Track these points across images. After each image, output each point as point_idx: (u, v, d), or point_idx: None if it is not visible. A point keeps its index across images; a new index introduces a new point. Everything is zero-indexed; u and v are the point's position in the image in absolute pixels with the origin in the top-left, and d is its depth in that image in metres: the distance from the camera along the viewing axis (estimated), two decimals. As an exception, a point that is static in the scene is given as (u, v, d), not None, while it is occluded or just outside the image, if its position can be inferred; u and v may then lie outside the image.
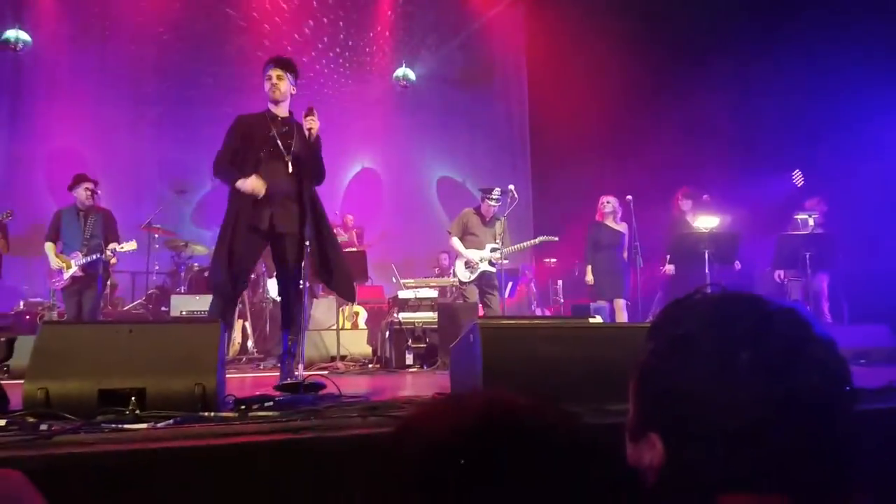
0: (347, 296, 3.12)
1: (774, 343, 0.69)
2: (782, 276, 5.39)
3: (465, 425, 0.57)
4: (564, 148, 8.05)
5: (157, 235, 6.31)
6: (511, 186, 5.24)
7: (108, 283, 5.55)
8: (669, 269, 5.46)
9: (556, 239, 5.53)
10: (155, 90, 7.76)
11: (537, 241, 5.51)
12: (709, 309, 0.76)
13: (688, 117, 6.79)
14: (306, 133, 2.99)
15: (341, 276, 3.03)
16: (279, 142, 3.01)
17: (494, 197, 5.26)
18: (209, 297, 5.08)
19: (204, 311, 5.19)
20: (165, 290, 6.17)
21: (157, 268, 6.40)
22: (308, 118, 2.96)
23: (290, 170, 2.99)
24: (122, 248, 4.95)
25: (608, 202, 5.63)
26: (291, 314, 3.05)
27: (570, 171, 7.83)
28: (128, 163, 7.49)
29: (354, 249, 6.27)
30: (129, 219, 6.09)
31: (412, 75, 8.86)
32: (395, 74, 8.78)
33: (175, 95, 7.69)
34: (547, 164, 8.54)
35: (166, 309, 5.76)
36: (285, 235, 3.01)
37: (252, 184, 2.90)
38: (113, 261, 5.04)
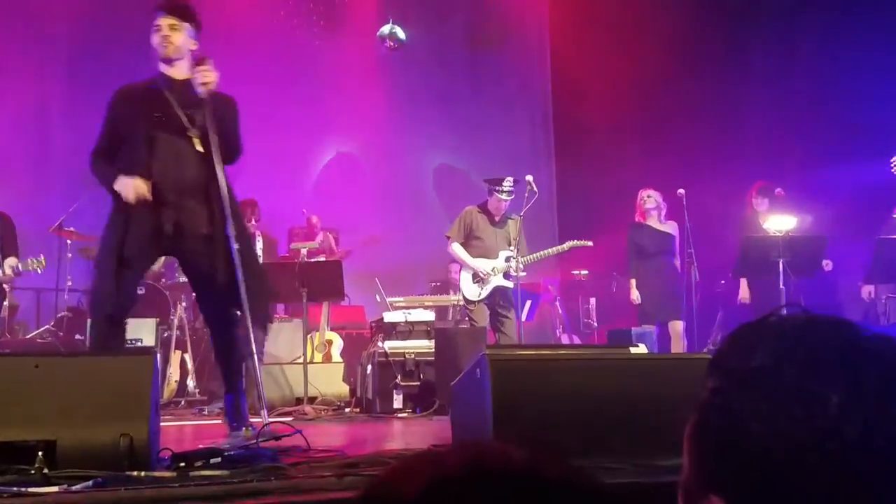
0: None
1: (872, 383, 0.68)
2: (873, 293, 5.40)
3: (441, 488, 0.56)
4: (598, 129, 8.09)
5: (69, 241, 6.12)
6: (529, 177, 5.25)
7: (5, 304, 5.51)
8: (744, 292, 5.43)
9: (590, 244, 5.53)
10: (65, 34, 7.46)
11: (565, 247, 5.52)
12: (788, 337, 0.75)
13: (754, 93, 6.83)
14: (199, 91, 2.82)
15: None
16: (180, 114, 2.84)
17: (506, 189, 5.27)
18: (146, 322, 5.06)
19: (138, 340, 5.15)
20: (80, 312, 5.97)
21: (69, 283, 6.12)
22: (201, 70, 2.80)
23: (198, 150, 2.84)
24: (24, 267, 4.93)
25: (649, 196, 5.64)
26: (228, 361, 2.93)
27: (606, 157, 7.87)
28: (27, 143, 7.34)
29: (323, 259, 6.29)
30: (31, 220, 6.00)
31: (401, 34, 8.80)
32: (379, 32, 8.65)
33: (93, 48, 7.43)
34: (575, 148, 8.58)
35: (82, 337, 5.62)
36: (199, 239, 2.86)
37: (132, 188, 2.72)
38: (7, 273, 5.01)
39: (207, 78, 2.81)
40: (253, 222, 5.39)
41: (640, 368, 2.43)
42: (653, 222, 5.63)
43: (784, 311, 0.79)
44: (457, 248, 5.37)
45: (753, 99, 6.89)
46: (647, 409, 2.21)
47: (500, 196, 5.28)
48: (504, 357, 2.43)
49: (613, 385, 2.32)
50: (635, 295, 5.59)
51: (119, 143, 2.87)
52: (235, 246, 2.79)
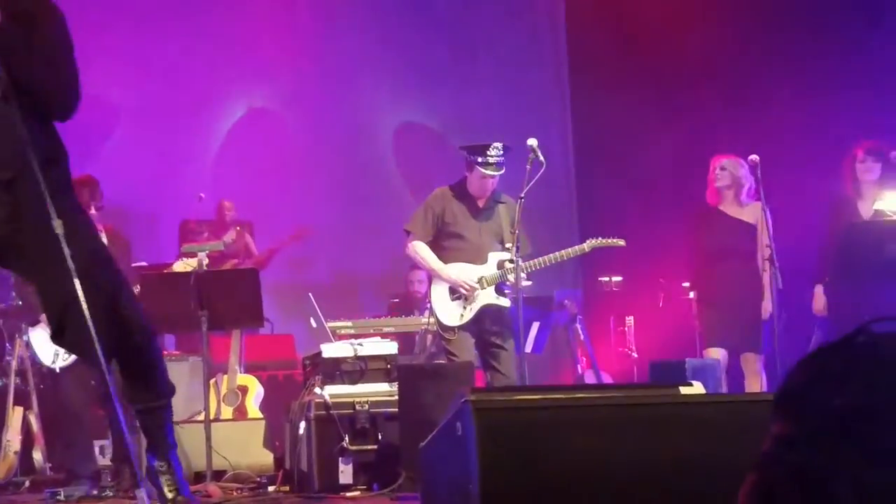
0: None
1: None
2: None
3: None
4: (635, 72, 8.15)
5: None
6: (532, 141, 5.28)
7: None
8: (819, 302, 5.49)
9: (622, 243, 5.57)
10: None
11: (585, 247, 5.56)
12: (887, 363, 0.76)
13: (844, 38, 6.93)
14: None
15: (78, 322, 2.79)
16: None
17: (492, 160, 5.30)
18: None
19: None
20: None
21: None
22: None
23: None
24: None
25: (722, 169, 5.66)
26: (141, 377, 3.03)
27: (650, 114, 7.92)
28: None
29: (234, 264, 6.25)
30: None
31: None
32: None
33: None
34: (602, 99, 8.63)
35: None
36: (19, 231, 2.92)
37: None
38: None
39: None
40: (93, 211, 5.28)
41: (695, 417, 2.46)
42: (728, 206, 5.67)
43: (877, 328, 0.80)
44: (420, 249, 5.39)
45: (843, 45, 7.00)
46: (705, 476, 2.23)
47: (483, 171, 5.29)
48: (495, 404, 2.46)
49: (654, 443, 2.35)
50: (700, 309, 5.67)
51: None
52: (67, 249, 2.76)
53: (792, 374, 0.83)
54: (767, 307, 5.55)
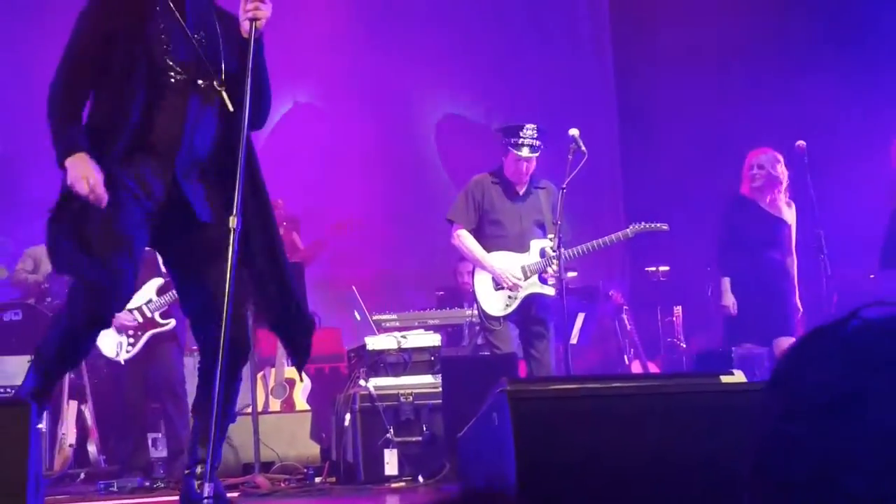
0: (298, 353, 3.25)
1: None
2: None
3: None
4: (681, 55, 8.07)
5: None
6: (574, 132, 5.26)
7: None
8: None
9: (666, 228, 5.53)
10: None
11: (629, 233, 5.52)
12: (877, 345, 0.78)
13: None
14: (245, 28, 3.05)
15: (294, 314, 3.10)
16: (197, 48, 3.02)
17: (526, 141, 5.27)
18: (24, 361, 5.19)
19: (12, 389, 5.25)
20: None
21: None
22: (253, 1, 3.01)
23: (224, 106, 3.04)
24: None
25: (760, 165, 5.60)
26: (224, 390, 3.01)
27: (696, 98, 7.85)
28: None
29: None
30: None
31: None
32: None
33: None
34: (647, 91, 8.57)
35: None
36: (213, 228, 3.07)
37: (84, 177, 2.85)
38: None
39: (261, 13, 3.12)
40: None
41: (738, 406, 2.42)
42: (764, 202, 5.62)
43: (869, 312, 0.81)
44: (465, 239, 5.39)
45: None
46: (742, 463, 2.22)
47: (518, 153, 5.28)
48: (531, 393, 2.45)
49: (693, 432, 2.33)
50: (729, 300, 5.59)
51: (97, 75, 2.97)
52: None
53: (788, 354, 0.85)
54: (799, 306, 5.54)
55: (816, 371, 0.78)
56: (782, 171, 5.59)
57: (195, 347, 6.35)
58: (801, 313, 5.61)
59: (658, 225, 5.51)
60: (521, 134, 5.25)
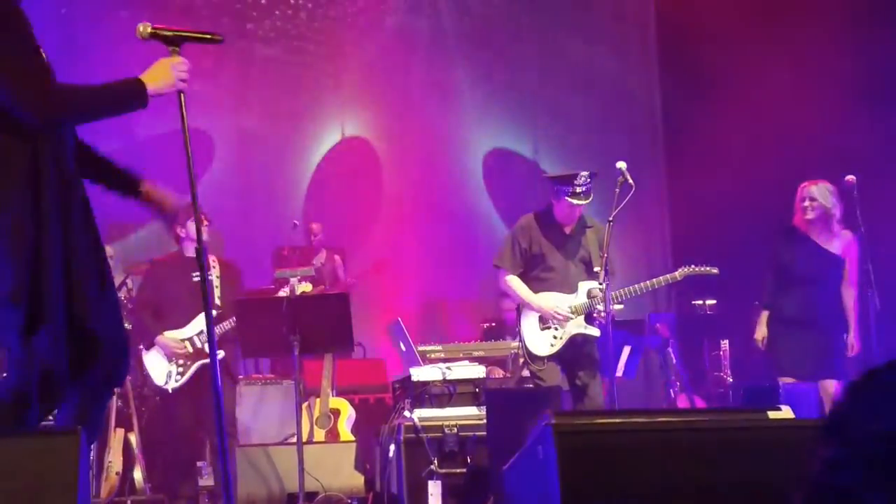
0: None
1: None
2: None
3: None
4: (724, 102, 8.03)
5: None
6: (621, 164, 5.25)
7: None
8: None
9: (716, 272, 5.50)
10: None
11: (677, 276, 5.49)
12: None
13: None
14: None
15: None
16: None
17: (580, 189, 5.28)
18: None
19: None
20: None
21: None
22: None
23: None
24: None
25: (812, 197, 5.53)
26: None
27: (746, 135, 7.80)
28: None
29: (321, 289, 6.34)
30: None
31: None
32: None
33: None
34: (694, 127, 8.53)
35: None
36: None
37: (176, 71, 2.81)
38: None
39: None
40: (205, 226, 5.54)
41: (782, 442, 2.40)
42: (816, 234, 5.55)
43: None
44: (513, 283, 5.41)
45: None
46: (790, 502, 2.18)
47: (571, 201, 5.28)
48: (576, 427, 2.45)
49: (739, 468, 2.32)
50: (761, 334, 5.53)
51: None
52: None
53: (842, 398, 0.83)
54: (854, 343, 5.43)
55: (870, 419, 0.77)
56: (835, 202, 5.50)
57: (241, 377, 6.49)
58: (857, 351, 5.50)
59: (707, 269, 5.46)
60: (575, 182, 5.25)
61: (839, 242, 5.57)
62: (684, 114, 8.64)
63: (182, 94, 2.83)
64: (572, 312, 5.29)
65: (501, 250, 5.51)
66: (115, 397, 5.68)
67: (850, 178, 5.52)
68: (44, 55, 2.73)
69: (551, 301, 5.32)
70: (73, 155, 2.84)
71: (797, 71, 7.57)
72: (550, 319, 5.29)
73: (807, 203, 5.54)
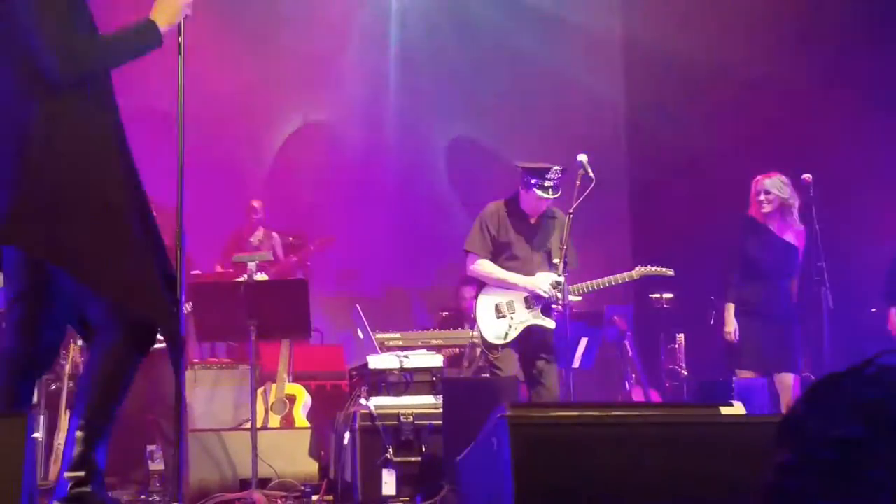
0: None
1: None
2: None
3: None
4: (689, 97, 8.08)
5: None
6: (582, 157, 5.26)
7: None
8: None
9: (671, 273, 5.55)
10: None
11: (634, 275, 5.54)
12: (889, 397, 0.76)
13: None
14: None
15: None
16: None
17: (549, 182, 5.29)
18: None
19: None
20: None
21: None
22: None
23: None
24: None
25: (767, 191, 5.57)
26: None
27: (707, 129, 7.85)
28: None
29: (258, 279, 6.27)
30: None
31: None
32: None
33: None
34: (657, 120, 8.58)
35: None
36: None
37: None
38: None
39: None
40: None
41: (732, 438, 2.42)
42: (775, 225, 5.58)
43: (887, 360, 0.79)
44: (486, 266, 5.39)
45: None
46: (740, 498, 2.19)
47: (540, 194, 5.28)
48: (531, 419, 2.45)
49: (690, 463, 2.33)
50: (731, 327, 5.56)
51: None
52: None
53: (798, 402, 0.83)
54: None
55: (824, 425, 0.76)
56: (792, 192, 5.54)
57: (195, 360, 6.41)
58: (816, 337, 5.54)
59: (663, 270, 5.54)
60: (547, 176, 5.27)
61: (793, 233, 5.60)
62: (647, 110, 8.68)
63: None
64: (528, 303, 5.30)
65: (472, 235, 5.50)
66: (66, 379, 5.60)
67: (807, 176, 5.58)
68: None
69: (534, 278, 5.30)
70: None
71: (756, 71, 7.64)
72: (537, 292, 5.27)
73: (762, 197, 5.57)
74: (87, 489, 2.87)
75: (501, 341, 5.32)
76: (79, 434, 2.90)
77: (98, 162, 2.87)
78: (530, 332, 5.33)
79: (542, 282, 5.29)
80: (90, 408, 2.93)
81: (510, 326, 5.33)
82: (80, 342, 5.73)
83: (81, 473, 2.87)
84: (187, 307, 5.55)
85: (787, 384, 5.43)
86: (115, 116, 2.97)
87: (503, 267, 5.39)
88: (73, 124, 2.84)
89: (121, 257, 2.85)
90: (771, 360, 5.48)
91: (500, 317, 5.37)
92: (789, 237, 5.60)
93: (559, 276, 5.19)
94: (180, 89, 3.04)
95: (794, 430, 0.80)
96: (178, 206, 3.01)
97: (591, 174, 5.22)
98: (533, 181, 5.30)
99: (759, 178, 5.63)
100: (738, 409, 2.72)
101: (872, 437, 0.75)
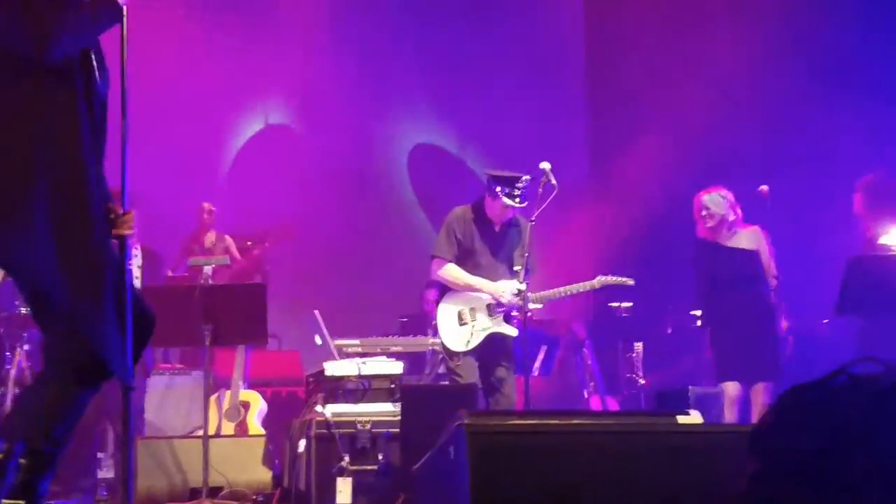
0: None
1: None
2: None
3: None
4: (649, 111, 8.14)
5: None
6: (545, 164, 5.27)
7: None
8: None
9: (631, 283, 5.58)
10: None
11: (595, 284, 5.54)
12: (860, 407, 0.75)
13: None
14: None
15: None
16: None
17: (517, 191, 5.29)
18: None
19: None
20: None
21: None
22: None
23: None
24: None
25: (706, 208, 5.57)
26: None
27: (665, 140, 7.91)
28: None
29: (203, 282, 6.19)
30: None
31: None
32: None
33: None
34: (619, 131, 8.62)
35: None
36: None
37: None
38: None
39: None
40: None
41: (691, 447, 2.43)
42: (722, 238, 5.60)
43: (856, 371, 0.78)
44: (452, 271, 5.35)
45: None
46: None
47: (507, 202, 5.27)
48: (489, 427, 2.43)
49: (647, 471, 2.33)
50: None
51: None
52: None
53: (768, 413, 0.82)
54: (784, 323, 5.51)
55: (794, 435, 0.74)
56: (729, 208, 5.54)
57: (163, 365, 6.30)
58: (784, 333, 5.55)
59: (624, 280, 5.54)
60: (516, 185, 5.26)
61: (742, 239, 5.60)
62: (609, 119, 8.74)
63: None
64: (491, 310, 5.28)
65: (439, 240, 5.48)
66: (11, 384, 5.47)
67: (763, 188, 5.63)
68: None
69: (499, 284, 5.29)
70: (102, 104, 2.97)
71: (715, 80, 7.71)
72: (500, 298, 5.26)
73: (704, 213, 5.60)
74: None
75: (463, 349, 5.29)
76: (23, 462, 2.79)
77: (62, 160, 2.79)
78: (491, 340, 5.31)
79: (506, 289, 5.27)
80: (39, 435, 2.83)
81: (472, 334, 5.31)
82: (26, 347, 5.62)
83: (21, 502, 2.78)
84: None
85: (760, 395, 5.44)
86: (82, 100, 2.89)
87: (466, 267, 5.35)
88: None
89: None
90: (750, 371, 5.47)
91: (461, 324, 5.34)
92: (741, 244, 5.59)
93: (521, 283, 5.18)
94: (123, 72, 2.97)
95: (763, 440, 0.78)
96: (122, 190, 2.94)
97: (554, 182, 5.22)
98: (501, 190, 5.29)
99: (698, 194, 5.65)
100: (695, 417, 2.72)
101: (838, 447, 0.73)
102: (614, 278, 5.53)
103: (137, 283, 5.63)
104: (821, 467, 0.74)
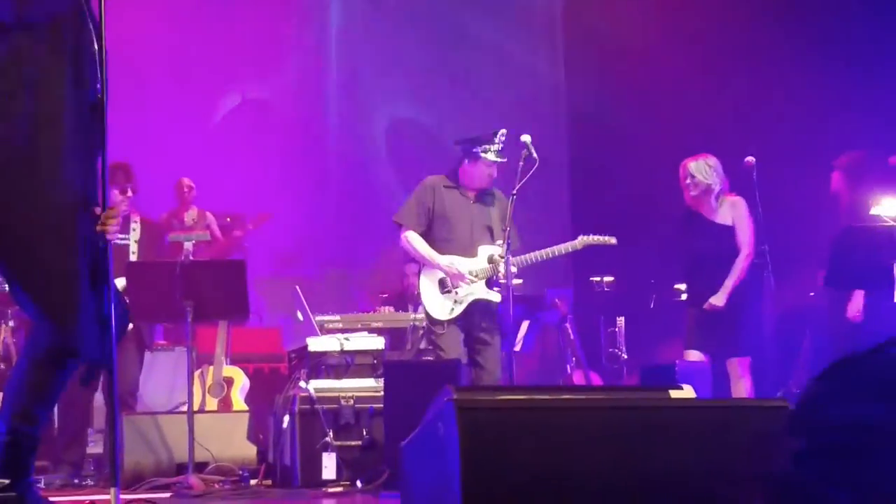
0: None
1: None
2: None
3: None
4: (628, 79, 8.10)
5: None
6: (525, 137, 5.24)
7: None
8: (857, 305, 5.39)
9: (614, 241, 5.53)
10: None
11: (577, 244, 5.52)
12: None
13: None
14: None
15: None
16: None
17: (494, 149, 5.24)
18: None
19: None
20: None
21: None
22: None
23: None
24: None
25: (692, 176, 5.51)
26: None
27: (647, 111, 7.89)
28: None
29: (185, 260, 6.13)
30: None
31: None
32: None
33: None
34: (598, 104, 8.59)
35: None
36: None
37: None
38: None
39: None
40: (129, 194, 5.42)
41: (686, 422, 2.41)
42: (705, 210, 5.57)
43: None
44: (414, 240, 5.33)
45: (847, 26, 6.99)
46: (695, 484, 2.18)
47: (490, 158, 5.24)
48: (479, 403, 2.40)
49: (642, 447, 2.30)
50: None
51: None
52: None
53: (809, 388, 0.79)
54: (718, 301, 5.44)
55: (844, 405, 0.72)
56: (714, 176, 5.49)
57: (161, 342, 6.24)
58: (712, 307, 5.50)
59: (606, 238, 5.51)
60: (492, 142, 5.25)
61: (725, 210, 5.55)
62: (587, 89, 8.69)
63: None
64: (474, 276, 5.25)
65: (403, 208, 5.45)
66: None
67: (750, 159, 5.60)
68: None
69: (453, 262, 5.26)
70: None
71: (696, 48, 7.69)
72: (450, 279, 5.24)
73: (688, 181, 5.54)
74: (13, 494, 2.77)
75: (447, 317, 5.27)
76: (8, 439, 2.79)
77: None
78: (475, 308, 5.27)
79: (462, 269, 5.23)
80: (18, 414, 2.81)
81: (456, 301, 5.28)
82: (10, 323, 5.58)
83: (6, 481, 2.76)
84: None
85: (736, 369, 5.44)
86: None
87: (441, 239, 5.32)
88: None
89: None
90: (716, 344, 5.47)
91: (444, 291, 5.31)
92: (719, 218, 5.55)
93: (500, 256, 5.16)
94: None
95: (807, 417, 0.75)
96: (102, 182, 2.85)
97: (535, 155, 5.21)
98: (479, 149, 5.25)
99: (685, 161, 5.57)
100: (687, 392, 2.70)
101: (883, 420, 0.70)
102: (596, 238, 5.51)
103: (133, 257, 5.58)
104: (867, 442, 0.70)
